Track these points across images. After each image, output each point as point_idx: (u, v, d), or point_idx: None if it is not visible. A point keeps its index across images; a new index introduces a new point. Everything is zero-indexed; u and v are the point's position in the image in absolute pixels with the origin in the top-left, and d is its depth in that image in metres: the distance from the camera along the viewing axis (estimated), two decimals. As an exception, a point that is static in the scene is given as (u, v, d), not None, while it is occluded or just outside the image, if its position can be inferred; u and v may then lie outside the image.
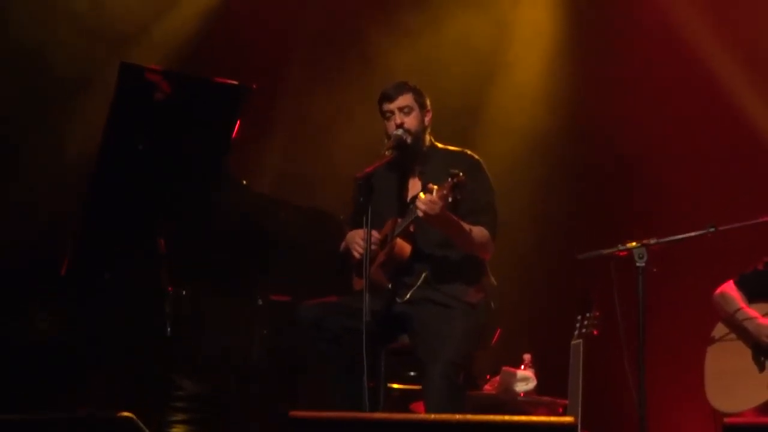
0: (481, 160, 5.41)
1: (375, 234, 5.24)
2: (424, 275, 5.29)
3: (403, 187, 5.50)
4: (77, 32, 7.09)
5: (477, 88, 7.69)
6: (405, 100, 5.40)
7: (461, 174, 4.94)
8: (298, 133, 7.88)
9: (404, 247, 5.35)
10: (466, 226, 5.19)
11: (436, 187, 4.96)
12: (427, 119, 5.42)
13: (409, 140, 5.34)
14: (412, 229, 5.36)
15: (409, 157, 5.42)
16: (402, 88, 5.39)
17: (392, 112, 5.34)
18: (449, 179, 4.95)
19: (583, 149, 7.56)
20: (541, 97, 7.63)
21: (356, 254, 5.34)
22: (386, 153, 5.28)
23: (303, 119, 7.80)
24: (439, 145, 5.49)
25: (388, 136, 5.38)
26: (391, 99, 5.36)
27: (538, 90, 7.63)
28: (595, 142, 7.52)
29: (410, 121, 5.38)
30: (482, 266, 5.46)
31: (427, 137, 5.45)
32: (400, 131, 5.35)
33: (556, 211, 7.59)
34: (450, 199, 4.96)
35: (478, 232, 5.28)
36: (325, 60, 7.67)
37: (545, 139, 7.67)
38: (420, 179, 5.39)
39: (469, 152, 5.46)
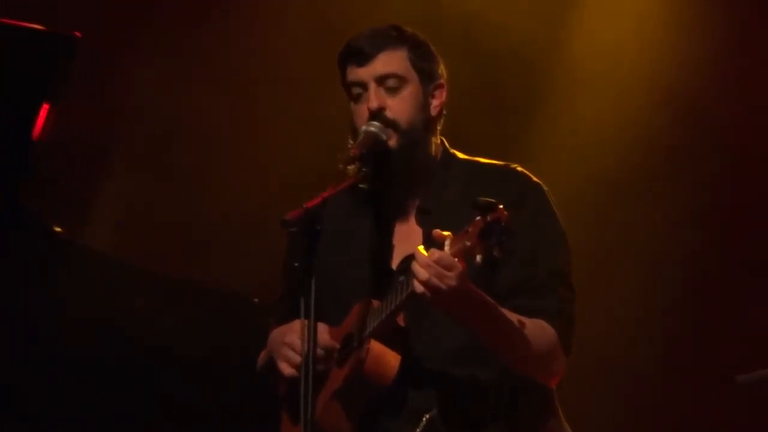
0: (542, 185, 4.06)
1: (325, 334, 3.93)
2: (426, 419, 3.84)
3: (384, 238, 4.12)
4: None
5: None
6: (391, 61, 4.01)
7: (501, 208, 3.54)
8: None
9: (385, 359, 3.94)
10: (512, 317, 3.80)
11: (450, 235, 3.65)
12: (435, 103, 4.02)
13: (394, 143, 3.95)
14: (402, 322, 3.91)
15: (398, 177, 4.03)
16: (386, 38, 4.01)
17: (363, 87, 3.99)
18: (477, 218, 3.59)
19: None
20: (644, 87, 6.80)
21: (286, 372, 3.99)
22: (348, 169, 3.88)
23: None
24: (460, 156, 4.12)
25: (354, 133, 4.01)
26: (363, 59, 3.99)
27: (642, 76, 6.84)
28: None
29: (399, 105, 3.99)
30: (544, 400, 4.02)
31: (435, 139, 4.06)
32: (374, 125, 3.94)
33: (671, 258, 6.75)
34: (478, 259, 3.57)
35: (536, 330, 3.87)
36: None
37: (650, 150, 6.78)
38: (418, 220, 4.03)
39: (519, 169, 4.09)
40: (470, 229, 3.54)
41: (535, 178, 4.03)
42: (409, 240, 3.99)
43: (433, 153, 4.04)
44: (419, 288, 3.56)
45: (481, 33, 6.81)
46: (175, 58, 6.82)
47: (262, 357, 4.11)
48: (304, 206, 3.59)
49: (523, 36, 6.88)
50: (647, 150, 6.91)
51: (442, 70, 4.03)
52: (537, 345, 3.85)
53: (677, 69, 6.90)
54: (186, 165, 6.77)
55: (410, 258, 3.71)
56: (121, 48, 6.88)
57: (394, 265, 3.95)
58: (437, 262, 3.52)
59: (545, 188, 4.01)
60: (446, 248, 3.58)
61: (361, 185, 3.90)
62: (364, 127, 3.90)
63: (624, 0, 7.01)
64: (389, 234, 4.07)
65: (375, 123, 3.90)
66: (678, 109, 6.90)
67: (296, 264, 3.59)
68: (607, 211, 6.76)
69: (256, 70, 6.66)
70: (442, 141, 4.04)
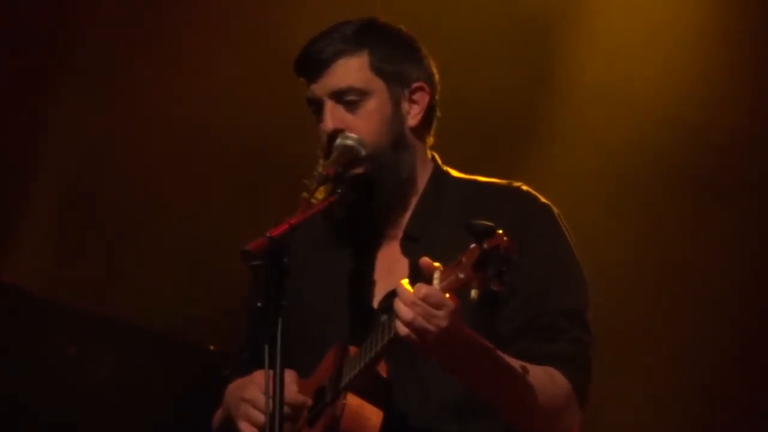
0: (552, 206, 3.68)
1: (293, 387, 3.52)
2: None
3: (363, 270, 3.72)
4: None
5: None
6: (347, 72, 3.61)
7: (500, 233, 3.14)
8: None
9: (364, 417, 3.55)
10: (515, 365, 3.38)
11: (440, 266, 3.25)
12: (414, 111, 3.61)
13: (361, 170, 3.56)
14: (384, 371, 3.51)
15: (378, 202, 3.64)
16: (340, 42, 3.60)
17: (318, 105, 3.60)
18: (472, 246, 3.18)
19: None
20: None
21: (247, 433, 3.74)
22: (318, 192, 3.49)
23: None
24: (454, 174, 3.77)
25: (326, 150, 3.61)
26: (314, 72, 3.60)
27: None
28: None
29: (360, 124, 3.59)
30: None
31: (416, 155, 3.68)
32: (351, 137, 3.54)
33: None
34: (474, 294, 3.15)
35: (546, 381, 3.46)
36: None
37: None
38: (404, 249, 3.64)
39: (523, 188, 3.71)
40: (464, 259, 3.18)
41: (542, 199, 3.68)
42: (393, 272, 3.65)
43: (415, 173, 3.70)
44: (403, 330, 3.20)
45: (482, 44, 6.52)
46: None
47: (218, 416, 3.77)
48: (268, 235, 3.23)
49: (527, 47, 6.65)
50: (659, 166, 6.59)
51: (424, 66, 3.66)
52: (547, 399, 3.50)
53: (690, 84, 6.53)
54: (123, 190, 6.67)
55: (391, 296, 3.36)
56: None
57: (376, 302, 3.63)
58: (424, 299, 3.16)
59: (555, 210, 3.68)
60: (435, 282, 3.23)
61: (336, 210, 3.54)
62: (339, 140, 3.57)
63: (636, 10, 6.62)
64: (370, 266, 3.71)
65: (353, 135, 3.55)
66: (691, 127, 6.56)
67: (259, 304, 3.25)
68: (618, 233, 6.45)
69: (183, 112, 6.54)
70: (433, 157, 3.71)
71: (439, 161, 3.75)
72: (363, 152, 3.55)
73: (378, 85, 3.60)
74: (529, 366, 3.45)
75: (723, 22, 6.51)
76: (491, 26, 6.50)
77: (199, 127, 6.35)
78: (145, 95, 6.77)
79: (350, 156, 3.52)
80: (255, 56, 6.66)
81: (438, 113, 3.69)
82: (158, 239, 6.64)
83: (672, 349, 6.42)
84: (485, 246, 3.15)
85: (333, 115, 3.56)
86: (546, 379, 3.47)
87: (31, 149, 6.78)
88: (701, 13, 6.52)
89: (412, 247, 3.60)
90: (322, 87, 3.59)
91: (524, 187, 3.70)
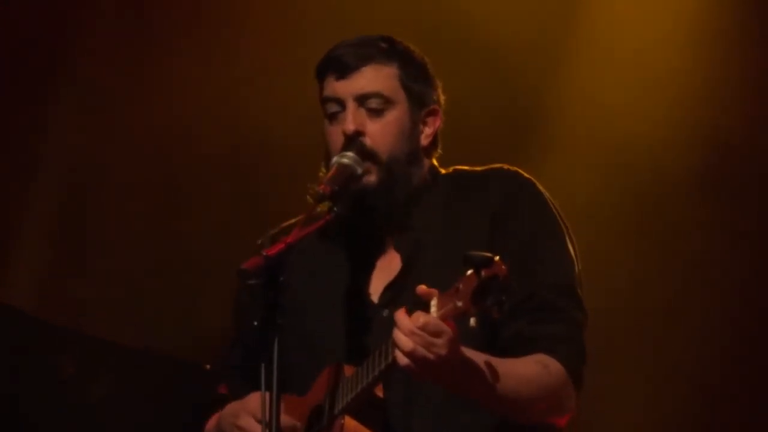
0: (535, 183, 3.65)
1: (288, 412, 3.43)
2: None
3: (361, 275, 3.66)
4: None
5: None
6: (377, 77, 3.57)
7: (497, 261, 3.04)
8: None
9: None
10: (514, 372, 3.35)
11: (437, 293, 3.19)
12: (426, 132, 3.62)
13: (372, 179, 3.51)
14: (381, 393, 3.45)
15: (376, 215, 3.60)
16: (374, 49, 3.58)
17: (341, 104, 3.53)
18: (469, 273, 3.09)
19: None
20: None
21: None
22: (309, 213, 3.44)
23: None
24: (442, 172, 3.73)
25: (328, 160, 3.55)
26: (343, 70, 3.55)
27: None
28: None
29: (381, 131, 3.55)
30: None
31: (423, 172, 3.65)
32: (348, 156, 3.47)
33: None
34: (473, 322, 3.08)
35: (541, 373, 3.42)
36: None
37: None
38: (396, 245, 3.62)
39: (504, 168, 3.68)
40: (461, 287, 3.11)
41: (526, 175, 3.65)
42: (389, 269, 3.63)
43: (421, 188, 3.65)
44: (403, 360, 3.15)
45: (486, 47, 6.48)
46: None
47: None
48: (264, 253, 3.20)
49: (532, 49, 6.59)
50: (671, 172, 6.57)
51: (438, 94, 3.66)
52: (545, 392, 3.48)
53: (708, 91, 6.50)
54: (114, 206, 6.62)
55: (394, 288, 3.46)
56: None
57: (375, 298, 3.60)
58: (423, 328, 3.13)
59: (539, 186, 3.63)
60: (433, 309, 3.17)
61: (332, 228, 3.50)
62: (335, 159, 3.49)
63: (647, 14, 6.59)
64: (368, 269, 3.68)
65: (349, 154, 3.49)
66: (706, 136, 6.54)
67: (255, 323, 3.21)
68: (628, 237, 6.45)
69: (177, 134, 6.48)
70: (431, 163, 3.68)
71: (436, 165, 3.72)
72: (359, 171, 3.51)
73: (402, 98, 3.58)
74: (522, 363, 3.42)
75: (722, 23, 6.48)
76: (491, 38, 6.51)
77: (200, 136, 6.28)
78: (144, 104, 6.65)
79: (347, 175, 3.47)
80: (250, 63, 6.57)
81: (439, 142, 3.71)
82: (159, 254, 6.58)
83: (672, 349, 6.36)
84: (483, 275, 3.09)
85: (355, 117, 3.52)
86: (542, 372, 3.44)
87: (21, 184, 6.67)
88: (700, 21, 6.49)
89: (404, 239, 3.58)
90: (348, 87, 3.56)
91: (505, 167, 3.67)
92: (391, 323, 3.26)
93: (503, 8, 6.48)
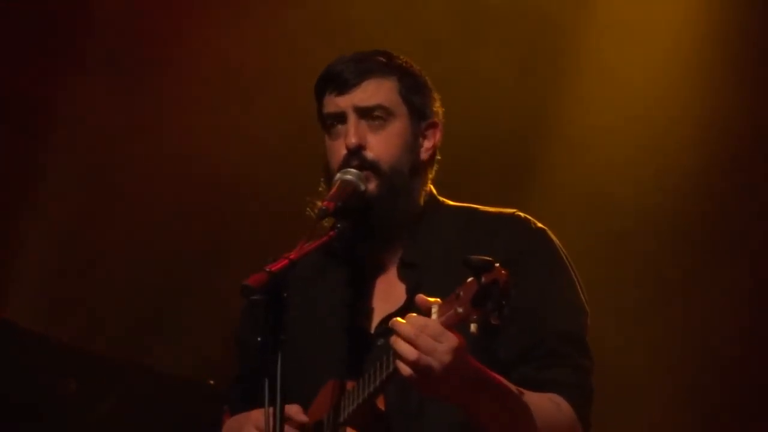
0: (548, 231, 3.66)
1: (291, 425, 3.43)
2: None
3: (361, 298, 3.66)
4: None
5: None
6: (377, 90, 3.60)
7: (498, 267, 3.06)
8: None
9: None
10: (520, 395, 3.33)
11: (438, 301, 3.17)
12: (426, 145, 3.65)
13: (373, 188, 3.54)
14: (382, 405, 3.46)
15: (377, 230, 3.60)
16: (373, 63, 3.60)
17: (341, 119, 3.56)
18: (470, 279, 3.09)
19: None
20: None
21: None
22: (312, 229, 3.42)
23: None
24: (450, 203, 3.75)
25: (328, 175, 3.58)
26: (343, 85, 3.58)
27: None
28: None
29: (382, 144, 3.57)
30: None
31: (424, 187, 3.69)
32: (351, 172, 3.51)
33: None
34: (474, 329, 3.07)
35: (550, 408, 3.40)
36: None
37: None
38: (401, 275, 3.59)
39: (520, 215, 3.68)
40: (462, 293, 3.09)
41: (538, 224, 3.64)
42: (390, 298, 3.60)
43: (420, 202, 3.64)
44: (405, 370, 3.10)
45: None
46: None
47: None
48: (268, 270, 3.18)
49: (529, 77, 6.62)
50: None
51: (437, 107, 3.65)
52: (553, 428, 3.43)
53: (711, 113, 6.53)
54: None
55: (391, 318, 3.31)
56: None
57: (372, 327, 3.56)
58: (423, 330, 3.07)
59: (551, 234, 3.63)
60: (434, 316, 3.14)
61: (336, 244, 3.49)
62: (339, 175, 3.49)
63: (646, 36, 6.61)
64: (367, 292, 3.65)
65: (352, 170, 3.48)
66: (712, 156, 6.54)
67: (259, 339, 3.20)
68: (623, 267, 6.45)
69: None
70: (430, 189, 3.66)
71: (435, 192, 3.71)
72: (362, 187, 3.51)
73: (403, 111, 3.59)
74: (535, 394, 3.37)
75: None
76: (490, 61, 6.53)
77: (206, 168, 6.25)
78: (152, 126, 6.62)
79: (350, 191, 3.47)
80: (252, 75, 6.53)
81: (438, 155, 3.66)
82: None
83: (672, 349, 6.37)
84: (483, 280, 3.07)
85: (357, 130, 3.53)
86: (552, 407, 3.42)
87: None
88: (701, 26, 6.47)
89: (409, 273, 3.56)
90: (349, 100, 3.56)
91: (519, 213, 3.67)
92: (387, 352, 3.23)
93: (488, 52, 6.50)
